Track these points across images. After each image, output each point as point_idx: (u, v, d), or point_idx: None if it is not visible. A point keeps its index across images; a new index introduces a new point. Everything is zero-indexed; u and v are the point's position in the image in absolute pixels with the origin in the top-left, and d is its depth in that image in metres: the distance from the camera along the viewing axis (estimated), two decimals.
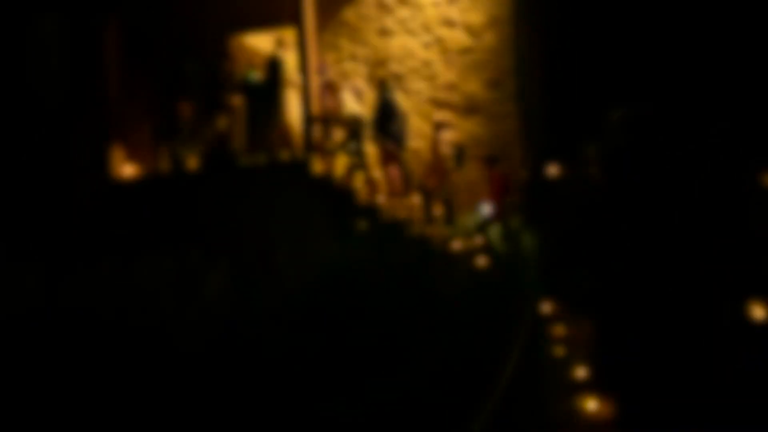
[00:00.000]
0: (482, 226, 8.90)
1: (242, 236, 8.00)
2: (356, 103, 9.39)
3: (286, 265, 6.44)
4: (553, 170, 8.78)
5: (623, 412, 2.58)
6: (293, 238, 7.72)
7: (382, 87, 9.21)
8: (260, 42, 10.99)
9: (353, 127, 9.25)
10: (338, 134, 9.99)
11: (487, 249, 8.68)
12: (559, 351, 4.61)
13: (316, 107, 9.01)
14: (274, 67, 9.09)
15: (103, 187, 9.33)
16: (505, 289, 4.94)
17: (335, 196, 8.76)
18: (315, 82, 9.03)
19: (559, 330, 4.88)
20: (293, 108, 9.34)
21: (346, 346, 4.44)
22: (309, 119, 8.92)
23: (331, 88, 9.48)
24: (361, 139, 9.41)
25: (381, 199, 9.04)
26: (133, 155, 10.09)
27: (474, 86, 10.11)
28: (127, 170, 9.99)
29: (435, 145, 9.52)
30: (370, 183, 9.64)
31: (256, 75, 9.67)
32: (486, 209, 9.17)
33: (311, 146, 8.98)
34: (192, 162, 9.31)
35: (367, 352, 4.37)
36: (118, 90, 9.96)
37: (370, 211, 8.66)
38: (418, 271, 5.91)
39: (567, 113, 10.83)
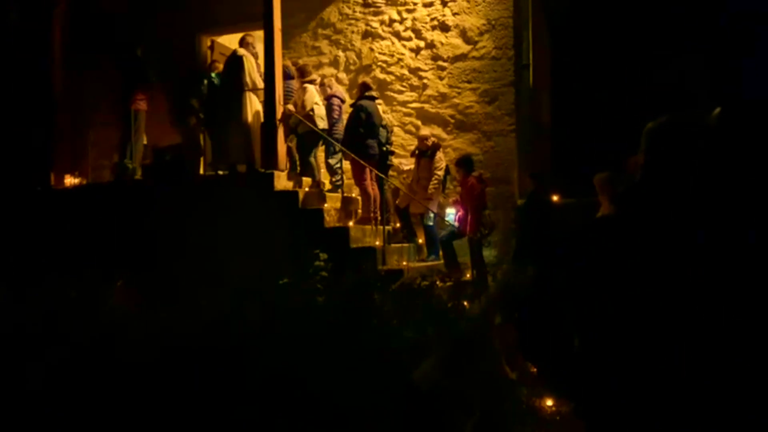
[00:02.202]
0: (446, 242, 7.68)
1: (172, 259, 6.72)
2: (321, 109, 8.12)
3: (208, 296, 5.10)
4: (554, 197, 7.53)
5: None
6: (234, 266, 6.41)
7: (363, 91, 7.94)
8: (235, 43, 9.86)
9: (313, 137, 7.98)
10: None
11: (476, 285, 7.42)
12: None
13: (279, 114, 7.75)
14: (233, 67, 7.87)
15: (35, 198, 8.11)
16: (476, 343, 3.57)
17: (299, 216, 7.47)
18: (279, 86, 7.79)
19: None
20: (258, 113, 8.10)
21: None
22: (269, 127, 7.66)
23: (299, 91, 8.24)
24: (326, 152, 8.16)
25: (351, 222, 7.74)
26: (76, 164, 8.93)
27: (468, 99, 8.85)
28: (68, 180, 8.80)
29: (421, 164, 8.25)
30: (346, 203, 8.39)
31: (212, 77, 8.48)
32: (450, 216, 7.92)
33: (273, 158, 7.72)
34: (138, 171, 8.09)
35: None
36: (64, 89, 8.81)
37: (338, 237, 7.35)
38: (379, 317, 4.53)
39: (575, 134, 9.56)
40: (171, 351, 3.32)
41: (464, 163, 7.87)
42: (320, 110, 8.00)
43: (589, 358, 1.65)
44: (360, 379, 2.70)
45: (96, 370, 3.11)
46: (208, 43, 10.34)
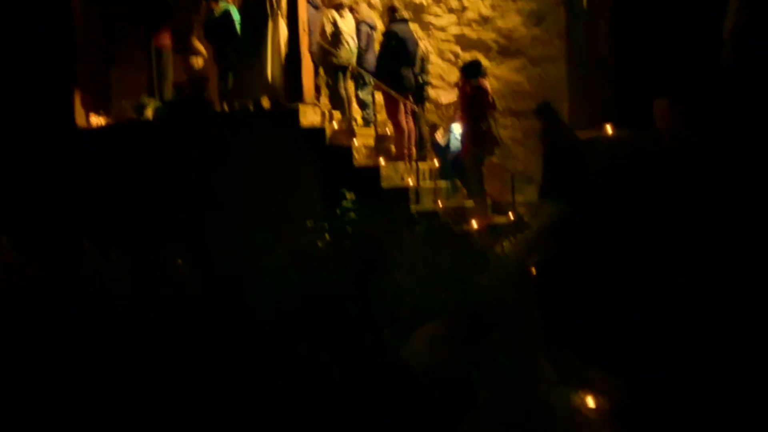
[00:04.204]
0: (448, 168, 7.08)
1: (187, 203, 6.35)
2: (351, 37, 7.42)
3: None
4: (610, 129, 6.73)
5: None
6: (256, 209, 6.00)
7: (391, 16, 7.21)
8: None
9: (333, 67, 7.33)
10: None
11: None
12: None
13: (304, 42, 7.12)
14: None
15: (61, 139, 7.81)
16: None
17: (326, 154, 6.93)
18: (303, 12, 7.12)
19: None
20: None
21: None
22: (293, 57, 7.05)
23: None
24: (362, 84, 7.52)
25: (383, 161, 7.16)
26: (101, 104, 8.57)
27: (512, 21, 7.98)
28: (94, 120, 8.45)
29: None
30: (380, 140, 7.81)
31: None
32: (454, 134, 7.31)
33: (299, 91, 7.14)
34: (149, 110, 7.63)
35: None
36: (86, 29, 8.39)
37: (368, 176, 6.81)
38: (420, 262, 4.01)
39: (636, 56, 8.57)
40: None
41: (466, 67, 7.02)
42: (344, 45, 7.29)
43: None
44: (352, 353, 2.20)
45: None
46: None
